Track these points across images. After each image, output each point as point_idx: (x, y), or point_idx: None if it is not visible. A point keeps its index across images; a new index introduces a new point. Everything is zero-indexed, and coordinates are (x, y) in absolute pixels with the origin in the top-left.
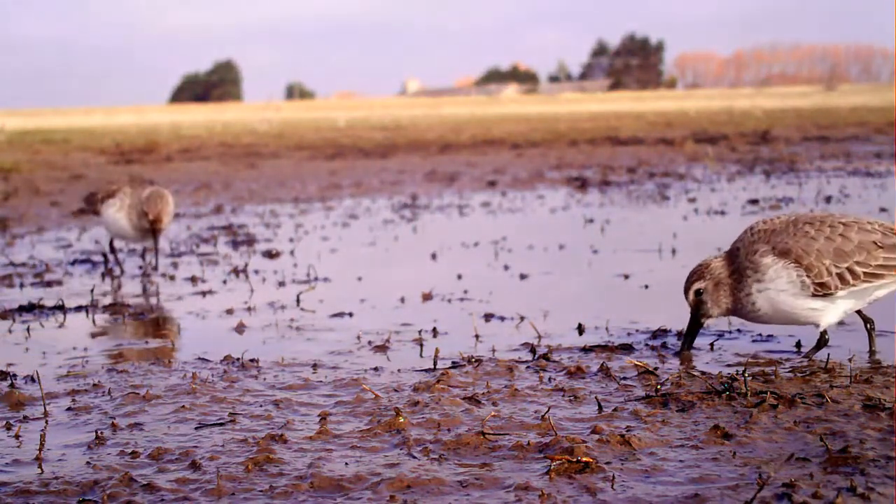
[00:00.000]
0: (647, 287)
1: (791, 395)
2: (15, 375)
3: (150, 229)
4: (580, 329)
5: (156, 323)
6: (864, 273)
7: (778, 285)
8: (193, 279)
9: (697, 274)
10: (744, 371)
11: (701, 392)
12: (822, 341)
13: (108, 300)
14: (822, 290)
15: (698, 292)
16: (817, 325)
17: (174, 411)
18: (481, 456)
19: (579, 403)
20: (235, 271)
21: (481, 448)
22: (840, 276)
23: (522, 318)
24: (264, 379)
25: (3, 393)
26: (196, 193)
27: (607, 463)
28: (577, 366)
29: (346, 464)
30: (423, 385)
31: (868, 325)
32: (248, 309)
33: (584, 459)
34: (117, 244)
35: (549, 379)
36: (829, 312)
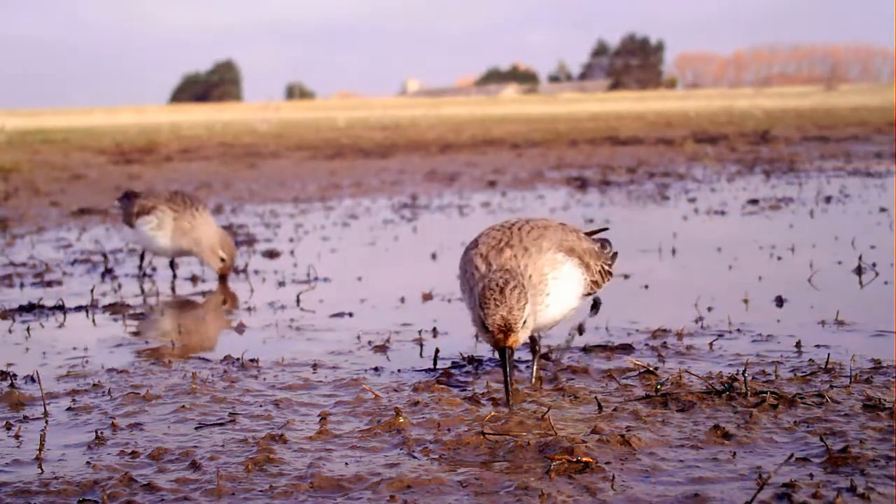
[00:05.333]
0: (647, 287)
1: (791, 395)
2: (15, 375)
3: (222, 274)
4: (580, 329)
5: (156, 323)
6: (608, 272)
7: (568, 284)
8: (193, 279)
9: (507, 285)
10: (744, 371)
11: (701, 392)
12: (538, 351)
13: (108, 300)
14: (594, 289)
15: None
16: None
17: (174, 411)
18: (481, 456)
19: (579, 403)
20: (235, 271)
21: (481, 448)
22: (601, 275)
23: None
24: (264, 379)
25: (3, 393)
26: (196, 193)
27: (607, 463)
28: (577, 366)
29: (346, 464)
30: (423, 385)
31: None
32: (248, 309)
33: (584, 459)
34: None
35: (549, 379)
36: (561, 314)
